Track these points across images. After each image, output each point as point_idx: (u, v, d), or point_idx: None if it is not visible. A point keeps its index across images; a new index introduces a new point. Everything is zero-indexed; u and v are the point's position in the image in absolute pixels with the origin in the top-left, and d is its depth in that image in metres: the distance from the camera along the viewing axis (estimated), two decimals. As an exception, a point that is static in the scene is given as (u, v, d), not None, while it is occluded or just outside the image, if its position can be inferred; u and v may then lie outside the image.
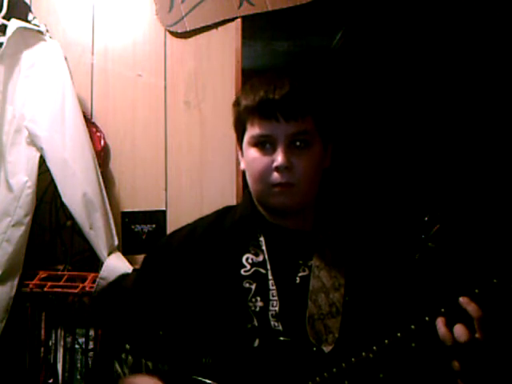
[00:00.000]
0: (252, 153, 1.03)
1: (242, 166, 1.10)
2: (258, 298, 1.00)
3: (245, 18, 1.97)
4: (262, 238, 1.06)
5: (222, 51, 1.97)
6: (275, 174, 1.00)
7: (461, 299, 0.83)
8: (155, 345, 1.05)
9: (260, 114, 1.01)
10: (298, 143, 1.01)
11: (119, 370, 1.04)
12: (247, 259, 1.04)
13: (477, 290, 0.83)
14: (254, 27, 2.06)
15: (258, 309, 0.99)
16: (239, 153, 1.11)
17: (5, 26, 1.69)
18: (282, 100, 0.99)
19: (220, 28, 1.97)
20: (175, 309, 1.05)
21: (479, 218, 2.28)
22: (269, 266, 1.03)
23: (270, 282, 1.01)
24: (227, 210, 1.16)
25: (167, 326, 1.05)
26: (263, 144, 1.02)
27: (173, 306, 1.05)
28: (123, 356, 1.05)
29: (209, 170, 1.95)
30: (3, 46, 1.68)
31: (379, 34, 2.93)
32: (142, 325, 1.07)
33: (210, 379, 0.97)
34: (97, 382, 1.13)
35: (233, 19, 1.97)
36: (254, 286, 1.01)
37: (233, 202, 1.92)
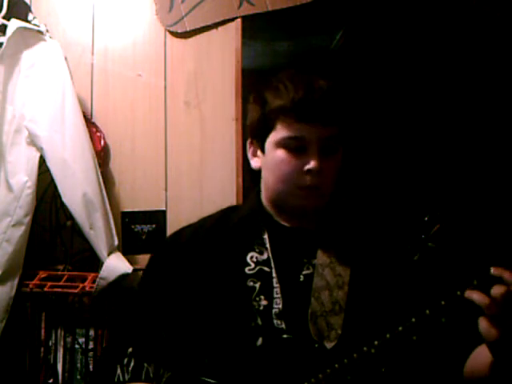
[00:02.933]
0: (280, 154, 1.01)
1: (256, 164, 1.09)
2: (262, 297, 1.00)
3: (245, 18, 1.97)
4: (266, 236, 1.06)
5: (222, 51, 1.97)
6: (305, 177, 0.99)
7: (493, 270, 0.81)
8: (158, 347, 1.05)
9: (296, 115, 0.99)
10: (327, 147, 1.00)
11: (120, 375, 1.03)
12: (252, 258, 1.04)
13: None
14: (253, 27, 2.06)
15: (261, 307, 0.99)
16: (250, 151, 1.10)
17: (5, 26, 1.70)
18: (321, 103, 0.98)
19: (220, 28, 1.97)
20: (180, 307, 1.05)
21: (479, 217, 2.28)
22: (273, 264, 1.02)
23: (274, 280, 1.01)
24: (232, 208, 1.16)
25: (171, 325, 1.05)
26: (293, 146, 1.00)
27: (178, 304, 1.05)
28: (125, 361, 1.04)
29: (209, 170, 1.95)
30: (3, 46, 1.68)
31: (379, 34, 2.93)
32: (147, 325, 1.07)
33: (212, 379, 0.97)
34: None
35: (233, 19, 1.97)
36: (258, 285, 1.01)
37: (233, 202, 1.92)
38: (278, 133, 1.02)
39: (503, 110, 2.50)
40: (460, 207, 2.36)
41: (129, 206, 1.93)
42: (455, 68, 2.68)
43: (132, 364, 1.04)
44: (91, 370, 1.73)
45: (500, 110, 2.52)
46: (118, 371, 1.04)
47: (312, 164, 0.98)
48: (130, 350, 1.05)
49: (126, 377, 1.03)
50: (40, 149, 1.69)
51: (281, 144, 1.01)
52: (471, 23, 2.48)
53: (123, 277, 1.69)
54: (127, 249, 1.87)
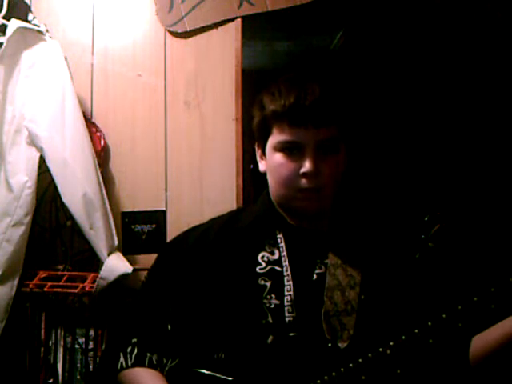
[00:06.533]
0: (278, 158, 1.03)
1: (262, 167, 1.10)
2: (273, 296, 1.01)
3: (245, 18, 1.97)
4: (280, 236, 1.07)
5: (222, 51, 1.97)
6: (302, 180, 1.01)
7: None
8: (163, 339, 1.06)
9: (289, 120, 1.00)
10: (324, 149, 1.01)
11: (123, 361, 1.04)
12: (263, 257, 1.05)
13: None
14: (253, 27, 2.06)
15: (272, 305, 1.01)
16: (258, 154, 1.12)
17: (5, 26, 1.70)
18: (312, 107, 0.99)
19: (220, 28, 1.97)
20: (188, 303, 1.06)
21: (479, 217, 2.28)
22: (286, 263, 1.04)
23: (286, 278, 1.02)
24: (241, 210, 1.18)
25: (178, 320, 1.06)
26: (290, 149, 1.02)
27: (186, 301, 1.07)
28: (129, 349, 1.05)
29: (209, 170, 1.95)
30: (3, 46, 1.68)
31: (379, 34, 2.93)
32: (152, 319, 1.08)
33: (221, 374, 0.98)
34: (100, 373, 1.14)
35: (233, 19, 1.97)
36: (269, 284, 1.02)
37: (233, 201, 1.92)
38: (275, 137, 1.04)
39: (503, 110, 2.50)
40: (460, 207, 2.36)
41: (129, 206, 1.93)
42: (455, 68, 2.68)
43: (135, 352, 1.05)
44: (91, 369, 1.73)
45: (500, 110, 2.52)
46: (121, 358, 1.05)
47: (307, 167, 1.00)
48: (135, 340, 1.06)
49: (130, 363, 1.04)
50: (40, 149, 1.69)
51: (277, 148, 1.03)
52: (471, 23, 2.48)
53: (123, 277, 1.69)
54: (127, 249, 1.87)
